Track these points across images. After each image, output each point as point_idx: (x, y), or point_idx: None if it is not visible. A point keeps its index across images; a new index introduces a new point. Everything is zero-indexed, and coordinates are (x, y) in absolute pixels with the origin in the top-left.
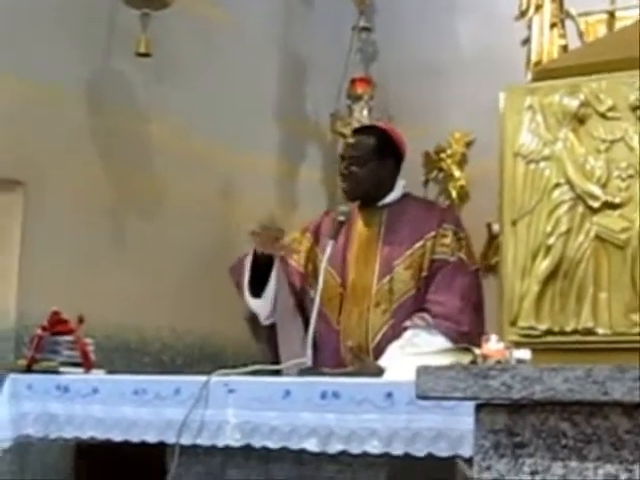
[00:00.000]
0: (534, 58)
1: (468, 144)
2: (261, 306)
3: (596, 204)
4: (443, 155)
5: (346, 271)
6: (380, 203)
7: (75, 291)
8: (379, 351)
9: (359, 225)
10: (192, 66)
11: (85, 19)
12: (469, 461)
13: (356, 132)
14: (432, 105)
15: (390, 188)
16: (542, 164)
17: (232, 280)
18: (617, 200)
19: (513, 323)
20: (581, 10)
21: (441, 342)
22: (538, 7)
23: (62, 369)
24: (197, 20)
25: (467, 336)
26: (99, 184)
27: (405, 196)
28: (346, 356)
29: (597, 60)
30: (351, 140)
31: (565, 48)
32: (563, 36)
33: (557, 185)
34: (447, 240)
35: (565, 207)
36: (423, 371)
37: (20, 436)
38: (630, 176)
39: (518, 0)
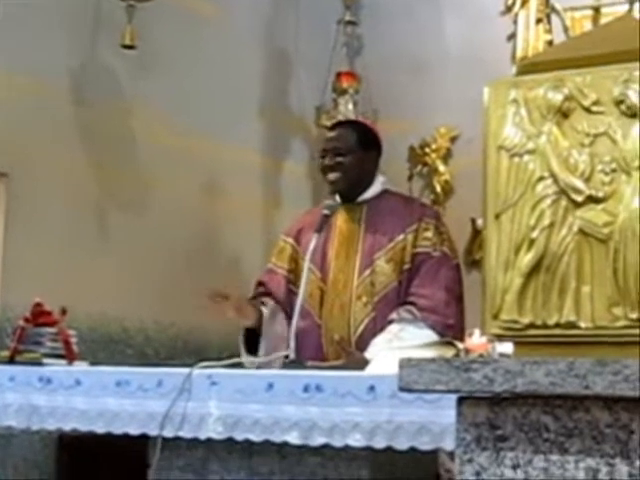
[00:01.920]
0: (520, 53)
1: (453, 139)
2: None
3: (579, 198)
4: (428, 150)
5: (326, 267)
6: (360, 199)
7: (58, 283)
8: (362, 343)
9: (339, 221)
10: (177, 59)
11: (70, 10)
12: (451, 455)
13: (335, 126)
14: (417, 100)
15: (370, 182)
16: (526, 158)
17: None
18: (600, 194)
19: (496, 316)
20: (567, 5)
21: (428, 335)
22: (524, 2)
23: (45, 361)
24: (182, 13)
25: (453, 329)
26: (83, 176)
27: (384, 192)
28: (329, 350)
29: (581, 54)
30: (332, 134)
31: (551, 43)
32: (549, 31)
33: (541, 179)
34: (429, 234)
35: (548, 201)
36: (406, 364)
37: (2, 427)
38: (613, 170)
39: None
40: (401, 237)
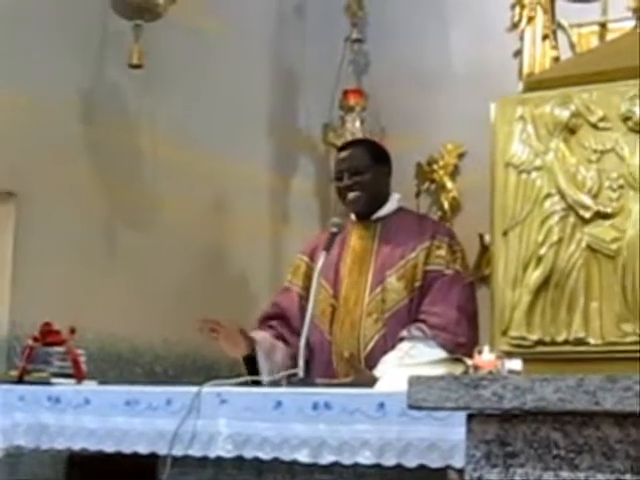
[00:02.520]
0: (526, 70)
1: (460, 155)
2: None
3: (587, 214)
4: (435, 166)
5: (339, 283)
6: (374, 216)
7: (67, 302)
8: (371, 360)
9: (353, 239)
10: (185, 77)
11: (77, 30)
12: (461, 472)
13: (345, 146)
14: (424, 116)
15: (385, 199)
16: (533, 174)
17: None
18: (608, 210)
19: (504, 333)
20: (573, 21)
21: (438, 354)
22: (530, 19)
23: (54, 380)
24: (189, 31)
25: (464, 347)
26: (92, 195)
27: (399, 210)
28: (339, 366)
29: (588, 71)
30: (344, 154)
31: (557, 60)
32: (555, 48)
33: (548, 195)
34: (442, 252)
35: (556, 217)
36: (415, 381)
37: (11, 447)
38: (621, 186)
39: (510, 11)
40: (413, 255)
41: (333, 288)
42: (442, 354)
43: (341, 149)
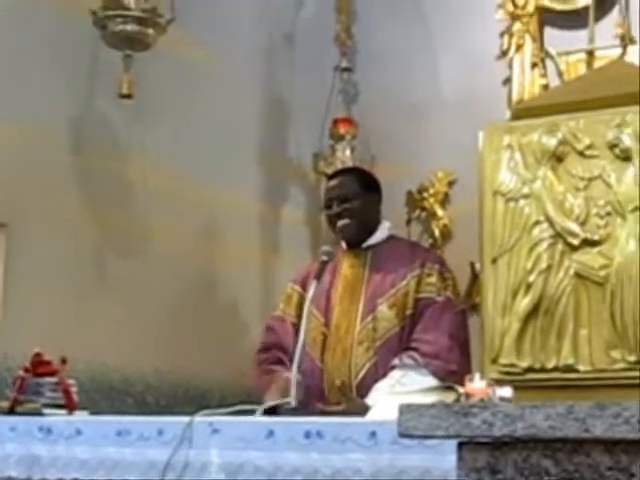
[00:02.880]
0: (515, 98)
1: (450, 183)
2: None
3: (575, 241)
4: (426, 194)
5: (330, 312)
6: (365, 244)
7: (58, 332)
8: (362, 389)
9: (344, 267)
10: (175, 107)
11: (67, 61)
12: None
13: (335, 175)
14: (414, 145)
15: (376, 226)
16: (521, 202)
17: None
18: (596, 237)
19: (494, 360)
20: (561, 49)
21: (430, 382)
22: (519, 47)
23: (45, 411)
24: (179, 61)
25: (455, 375)
26: (82, 224)
27: (390, 237)
28: (330, 394)
29: (575, 99)
30: (334, 182)
31: (546, 87)
32: (544, 76)
33: (537, 223)
34: (433, 279)
35: (545, 244)
36: (405, 409)
37: (3, 478)
38: (608, 213)
39: (499, 40)
40: (404, 283)
41: (324, 316)
42: (434, 382)
43: (330, 177)
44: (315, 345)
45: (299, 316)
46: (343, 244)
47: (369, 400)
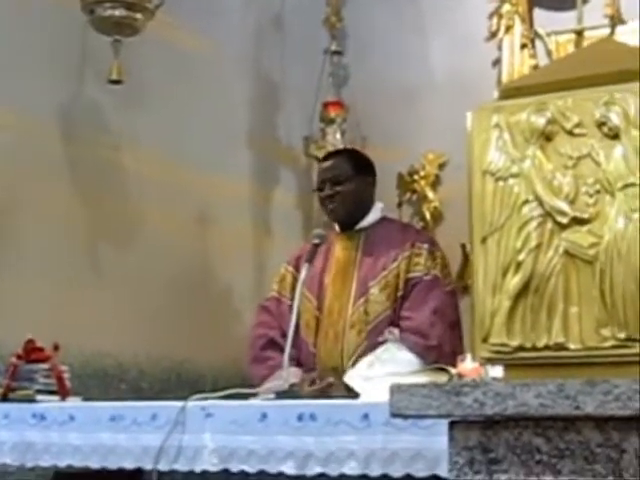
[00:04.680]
0: (505, 79)
1: (441, 165)
2: None
3: (565, 220)
4: (416, 177)
5: (323, 295)
6: (358, 227)
7: (51, 319)
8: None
9: (337, 249)
10: (165, 92)
11: (57, 47)
12: None
13: (328, 156)
14: (404, 127)
15: (368, 208)
16: (510, 181)
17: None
18: (585, 216)
19: (485, 340)
20: (550, 30)
21: (408, 358)
22: (508, 28)
23: (38, 397)
24: (168, 47)
25: (436, 350)
26: (73, 211)
27: (382, 219)
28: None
29: (563, 77)
30: (327, 164)
31: (536, 68)
32: (533, 56)
33: (526, 202)
34: (421, 259)
35: (534, 223)
36: (397, 390)
37: None
38: (597, 192)
39: (488, 21)
40: (394, 264)
41: (317, 299)
42: (411, 357)
43: (323, 159)
44: (309, 330)
45: (293, 298)
46: (336, 226)
47: (348, 377)
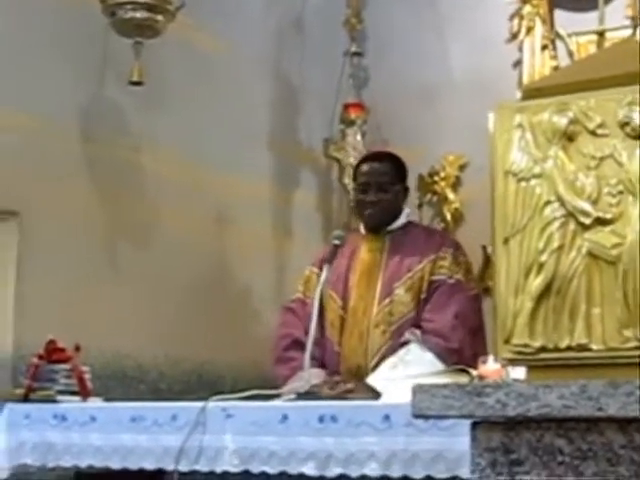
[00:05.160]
0: (526, 80)
1: (462, 167)
2: None
3: (587, 220)
4: (437, 178)
5: (348, 295)
6: (384, 230)
7: (71, 320)
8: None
9: (362, 251)
10: (185, 94)
11: (78, 49)
12: None
13: (373, 158)
14: (425, 128)
15: (399, 215)
16: (533, 182)
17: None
18: (608, 216)
19: (507, 341)
20: (571, 31)
21: (428, 358)
22: (529, 29)
23: (59, 398)
24: (189, 48)
25: (457, 353)
26: (93, 213)
27: (409, 223)
28: (346, 379)
29: (585, 78)
30: (373, 166)
31: (557, 69)
32: (554, 57)
33: (548, 202)
34: (445, 262)
35: (557, 224)
36: (418, 390)
37: (18, 465)
38: (620, 192)
39: (509, 23)
40: (420, 267)
41: (342, 300)
42: (431, 357)
43: (368, 159)
44: (333, 329)
45: (320, 298)
46: (362, 228)
47: (371, 379)
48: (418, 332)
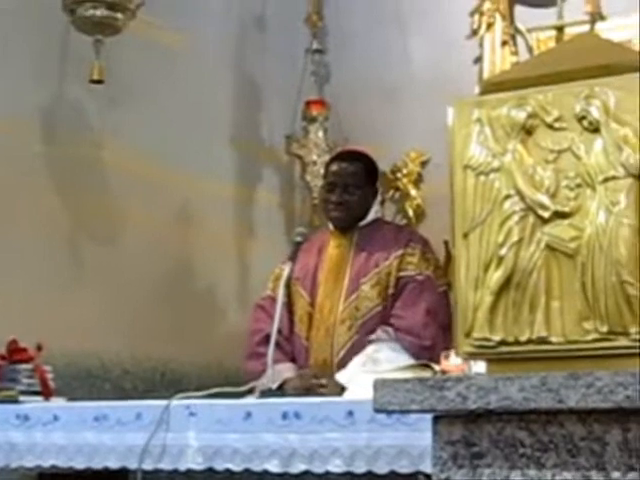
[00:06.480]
0: (487, 76)
1: (423, 163)
2: None
3: (546, 214)
4: (399, 175)
5: (316, 292)
6: (353, 226)
7: (34, 319)
8: (343, 366)
9: (330, 247)
10: (146, 91)
11: (38, 47)
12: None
13: (341, 159)
14: (386, 125)
15: (366, 214)
16: (492, 176)
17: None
18: (566, 209)
19: (467, 335)
20: (531, 27)
21: (403, 358)
22: (489, 25)
23: (22, 398)
24: (150, 45)
25: (429, 351)
26: (56, 211)
27: (376, 220)
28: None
29: (543, 72)
30: (341, 166)
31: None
32: (515, 53)
33: (507, 196)
34: (414, 259)
35: (516, 218)
36: (380, 385)
37: None
38: (578, 185)
39: (469, 19)
40: (387, 263)
41: (310, 296)
42: (406, 357)
43: (337, 159)
44: (302, 325)
45: (289, 295)
46: (330, 225)
47: (339, 376)
48: (391, 330)
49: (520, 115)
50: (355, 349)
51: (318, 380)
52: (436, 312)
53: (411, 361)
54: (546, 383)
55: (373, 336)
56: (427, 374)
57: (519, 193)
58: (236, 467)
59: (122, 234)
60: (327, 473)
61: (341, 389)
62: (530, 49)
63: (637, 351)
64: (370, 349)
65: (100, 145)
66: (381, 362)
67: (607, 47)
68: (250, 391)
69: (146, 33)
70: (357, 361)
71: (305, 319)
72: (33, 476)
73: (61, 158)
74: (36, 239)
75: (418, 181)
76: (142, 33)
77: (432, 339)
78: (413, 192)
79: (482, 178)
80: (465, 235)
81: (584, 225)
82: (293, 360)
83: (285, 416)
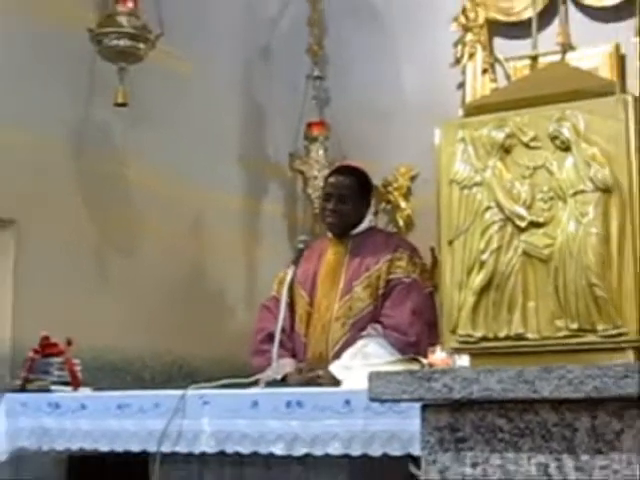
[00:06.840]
0: (468, 100)
1: (412, 178)
2: None
3: (523, 224)
4: (390, 188)
5: (315, 292)
6: (348, 234)
7: (64, 319)
8: (337, 359)
9: (329, 253)
10: (164, 114)
11: (68, 73)
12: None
13: (338, 172)
14: (380, 144)
15: (360, 223)
16: (474, 189)
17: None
18: (541, 220)
19: (453, 331)
20: (508, 56)
21: (389, 351)
22: (471, 55)
23: (53, 388)
24: (167, 73)
25: (414, 346)
26: (82, 221)
27: (370, 228)
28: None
29: (520, 97)
30: (337, 179)
31: (496, 91)
32: (494, 80)
33: (488, 208)
34: (402, 263)
35: (496, 227)
36: (375, 377)
37: (16, 449)
38: (551, 198)
39: (453, 49)
40: (377, 266)
41: (309, 297)
42: (392, 351)
43: (335, 172)
44: (301, 323)
45: (291, 296)
46: (329, 233)
47: (333, 366)
48: (379, 327)
49: (499, 135)
50: (348, 344)
51: (314, 372)
52: (421, 311)
53: (397, 355)
54: (523, 375)
55: (364, 332)
56: (416, 367)
57: (498, 205)
58: (245, 450)
59: (142, 243)
60: (327, 456)
61: (334, 378)
62: (508, 76)
63: (604, 346)
64: (359, 343)
65: (124, 163)
66: (370, 356)
67: (577, 74)
68: (256, 382)
69: (164, 61)
70: (348, 354)
71: (304, 317)
72: (63, 458)
73: (88, 173)
74: (66, 245)
75: (408, 194)
76: (161, 61)
77: (417, 336)
78: (403, 204)
79: (466, 191)
80: (450, 242)
81: (556, 234)
82: (294, 356)
83: (289, 404)
